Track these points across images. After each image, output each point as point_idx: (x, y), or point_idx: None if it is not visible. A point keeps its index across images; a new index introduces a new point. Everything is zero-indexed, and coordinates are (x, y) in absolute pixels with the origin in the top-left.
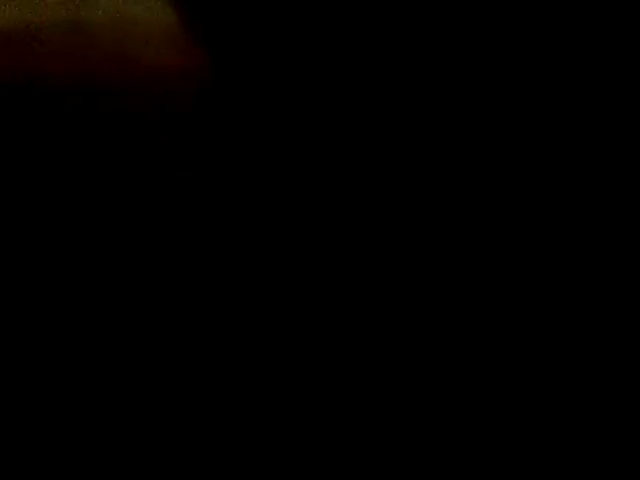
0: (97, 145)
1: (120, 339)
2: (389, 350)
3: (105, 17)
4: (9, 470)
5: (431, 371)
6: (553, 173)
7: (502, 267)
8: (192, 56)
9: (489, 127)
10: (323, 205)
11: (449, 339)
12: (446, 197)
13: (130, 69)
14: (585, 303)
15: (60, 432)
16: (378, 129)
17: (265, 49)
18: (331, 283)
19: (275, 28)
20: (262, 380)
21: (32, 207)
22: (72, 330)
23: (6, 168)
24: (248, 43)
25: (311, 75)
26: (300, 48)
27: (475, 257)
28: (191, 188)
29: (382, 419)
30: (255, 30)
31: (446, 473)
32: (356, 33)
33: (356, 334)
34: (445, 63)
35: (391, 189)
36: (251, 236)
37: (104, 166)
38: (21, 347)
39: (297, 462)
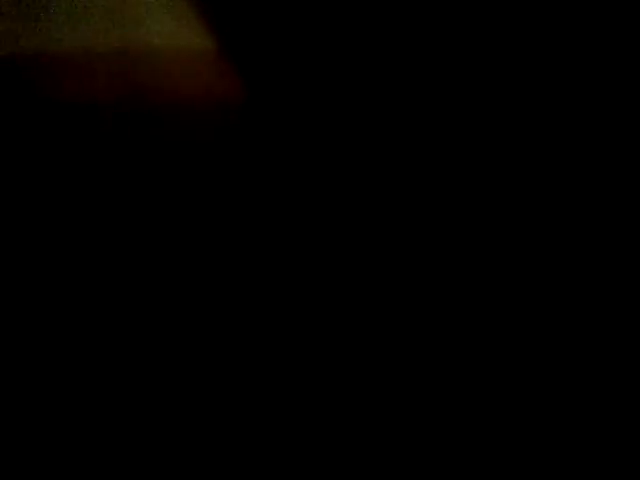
0: (127, 166)
1: (122, 338)
2: (389, 350)
3: (145, 39)
4: (9, 470)
5: (431, 371)
6: (553, 173)
7: (502, 267)
8: (223, 87)
9: (489, 127)
10: (326, 208)
11: (449, 339)
12: (446, 197)
13: (167, 92)
14: (585, 303)
15: (60, 432)
16: (382, 132)
17: (297, 80)
18: (333, 283)
19: (306, 57)
20: (262, 380)
21: (53, 224)
22: (73, 329)
23: (39, 184)
24: (280, 75)
25: (339, 104)
26: (323, 74)
27: (475, 257)
28: (218, 214)
29: (382, 419)
30: (287, 63)
31: (446, 473)
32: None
33: (356, 334)
34: (445, 63)
35: (392, 189)
36: (255, 239)
37: (131, 190)
38: (21, 347)
39: (297, 462)
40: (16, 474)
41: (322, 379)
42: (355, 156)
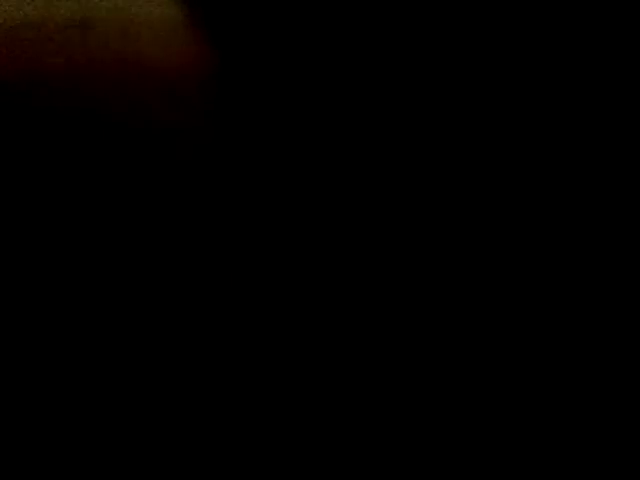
0: (98, 143)
1: (123, 338)
2: (389, 350)
3: (109, 14)
4: (9, 470)
5: (431, 371)
6: (553, 173)
7: (502, 267)
8: (196, 54)
9: (489, 127)
10: (325, 206)
11: (449, 339)
12: (446, 197)
13: (133, 67)
14: (585, 303)
15: (60, 432)
16: (382, 133)
17: (271, 46)
18: (333, 284)
19: (280, 25)
20: (262, 380)
21: (28, 207)
22: (74, 329)
23: (2, 167)
24: (253, 41)
25: (316, 75)
26: (305, 47)
27: (475, 257)
28: (195, 188)
29: (382, 419)
30: (260, 27)
31: (446, 473)
32: (358, 33)
33: (356, 334)
34: (445, 63)
35: (392, 190)
36: (253, 237)
37: (104, 165)
38: (20, 347)
39: (297, 462)
40: (16, 474)
41: (321, 379)
42: (336, 135)
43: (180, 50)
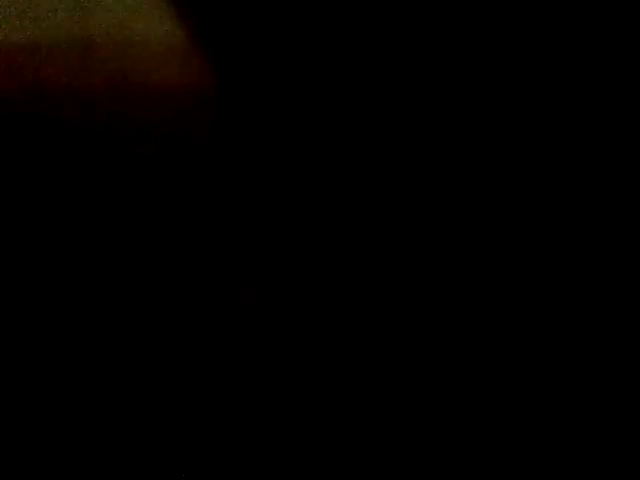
0: (97, 162)
1: (123, 338)
2: (390, 350)
3: (109, 32)
4: (9, 470)
5: (431, 371)
6: (553, 173)
7: (502, 267)
8: (196, 74)
9: (489, 127)
10: (330, 212)
11: (449, 339)
12: (446, 197)
13: (132, 85)
14: (585, 303)
15: (60, 432)
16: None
17: (271, 65)
18: (333, 284)
19: (282, 44)
20: (262, 380)
21: (29, 226)
22: (74, 330)
23: (4, 185)
24: (253, 60)
25: (319, 91)
26: (307, 63)
27: (475, 257)
28: (194, 207)
29: (382, 419)
30: (260, 47)
31: (446, 473)
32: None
33: (356, 334)
34: (445, 63)
35: (392, 190)
36: (259, 243)
37: (102, 183)
38: (20, 348)
39: (297, 462)
40: (16, 474)
41: (322, 378)
42: (335, 148)
43: (180, 68)
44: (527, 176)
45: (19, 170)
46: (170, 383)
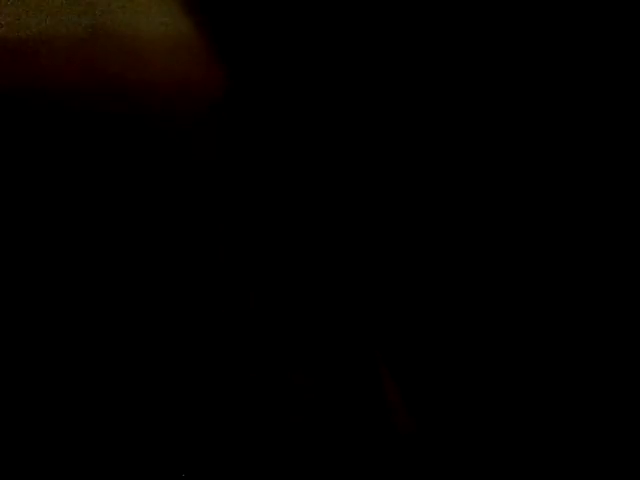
0: (99, 159)
1: (123, 338)
2: (390, 350)
3: (114, 29)
4: (9, 470)
5: (431, 371)
6: (553, 173)
7: (502, 267)
8: (201, 71)
9: (489, 127)
10: (331, 212)
11: (450, 342)
12: (447, 197)
13: (136, 83)
14: (585, 303)
15: (60, 432)
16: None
17: (276, 65)
18: (333, 285)
19: (288, 45)
20: (262, 380)
21: (29, 222)
22: (74, 330)
23: (9, 178)
24: (257, 58)
25: (326, 88)
26: (315, 66)
27: (475, 257)
28: (197, 209)
29: (382, 419)
30: (265, 45)
31: (446, 473)
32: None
33: (357, 335)
34: (445, 63)
35: (393, 192)
36: (259, 244)
37: (104, 180)
38: (20, 348)
39: (297, 463)
40: (16, 474)
41: (322, 380)
42: (336, 149)
43: (185, 67)
44: (527, 176)
45: (19, 170)
46: (170, 384)
